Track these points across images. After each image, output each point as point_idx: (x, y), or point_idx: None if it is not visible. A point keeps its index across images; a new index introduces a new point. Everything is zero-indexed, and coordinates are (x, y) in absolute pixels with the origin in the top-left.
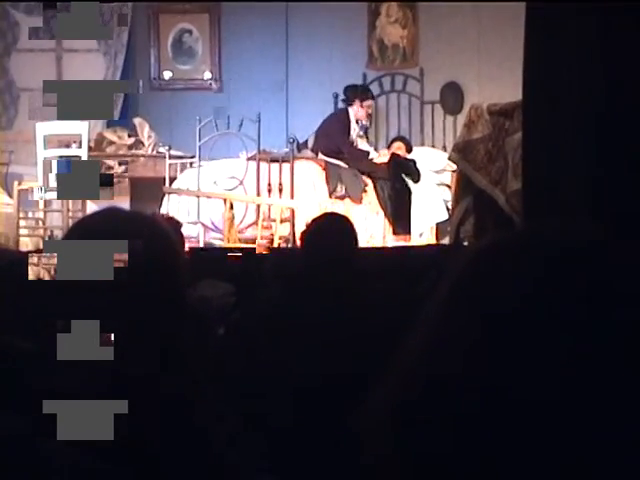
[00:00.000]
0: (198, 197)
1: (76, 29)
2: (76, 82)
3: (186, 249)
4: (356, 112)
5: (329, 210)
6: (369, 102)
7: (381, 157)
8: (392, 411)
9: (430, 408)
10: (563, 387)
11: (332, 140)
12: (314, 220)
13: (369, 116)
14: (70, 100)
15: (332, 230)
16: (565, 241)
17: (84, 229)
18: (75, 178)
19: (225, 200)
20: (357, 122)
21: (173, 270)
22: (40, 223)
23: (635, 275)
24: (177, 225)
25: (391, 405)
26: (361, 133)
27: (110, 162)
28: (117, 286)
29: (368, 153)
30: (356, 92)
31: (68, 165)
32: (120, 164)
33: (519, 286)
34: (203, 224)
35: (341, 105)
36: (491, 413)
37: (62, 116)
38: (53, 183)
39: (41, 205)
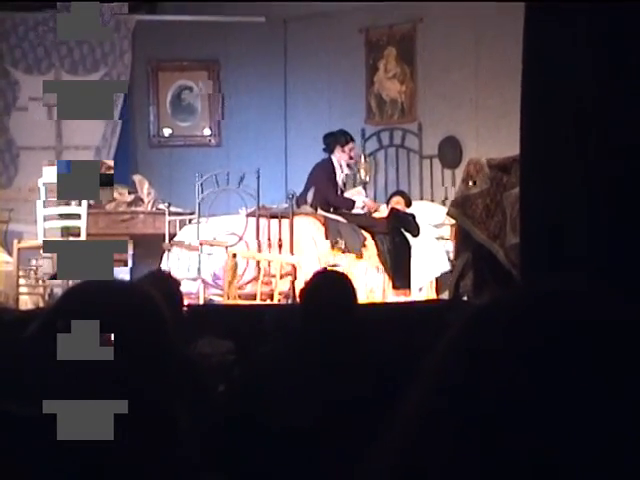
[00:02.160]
0: (199, 251)
1: (76, 29)
2: (76, 82)
3: (185, 305)
4: (339, 158)
5: (331, 264)
6: (350, 145)
7: (379, 211)
8: (390, 472)
9: (429, 457)
10: (563, 452)
11: (319, 192)
12: (313, 277)
13: (351, 159)
14: (70, 100)
15: (331, 287)
16: (564, 306)
17: (75, 302)
18: (75, 179)
19: (227, 248)
20: (341, 168)
21: (158, 334)
22: (40, 282)
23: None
24: (176, 284)
25: (389, 467)
26: (347, 177)
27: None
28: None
29: (353, 202)
30: (336, 138)
31: (68, 165)
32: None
33: (516, 348)
34: (203, 280)
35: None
36: (491, 469)
37: (62, 116)
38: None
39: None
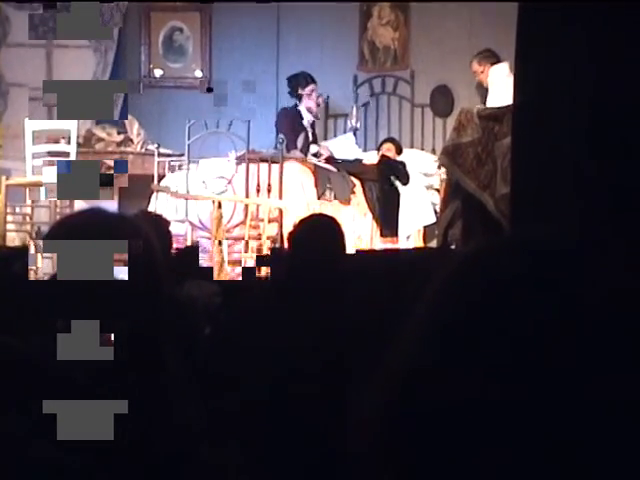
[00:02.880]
0: (186, 199)
1: (76, 29)
2: (76, 82)
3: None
4: (305, 103)
5: (317, 211)
6: (311, 87)
7: (366, 157)
8: (377, 412)
9: (414, 408)
10: (545, 389)
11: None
12: (302, 221)
13: (318, 106)
14: (70, 100)
15: (319, 232)
16: (550, 249)
17: (66, 230)
18: (75, 178)
19: (213, 201)
20: (309, 111)
21: (154, 269)
22: (27, 219)
23: (619, 279)
24: (165, 223)
25: (376, 407)
26: (315, 122)
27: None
28: (102, 284)
29: (306, 153)
30: (296, 81)
31: (68, 165)
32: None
33: (504, 293)
34: (191, 222)
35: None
36: (474, 416)
37: (62, 115)
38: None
39: (28, 201)
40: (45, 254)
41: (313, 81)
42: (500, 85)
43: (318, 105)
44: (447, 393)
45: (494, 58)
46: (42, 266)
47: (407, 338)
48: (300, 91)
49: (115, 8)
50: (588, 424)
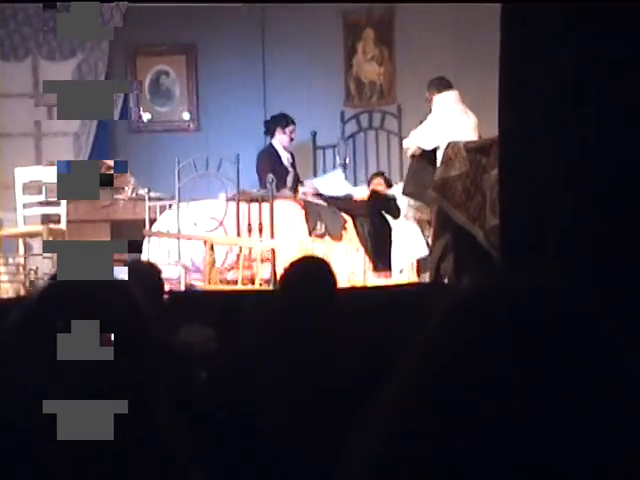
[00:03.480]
0: (178, 239)
1: (76, 29)
2: (76, 82)
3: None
4: (280, 141)
5: (310, 249)
6: (291, 127)
7: (359, 192)
8: (372, 459)
9: (409, 459)
10: (544, 445)
11: (262, 179)
12: (292, 264)
13: (292, 140)
14: (70, 100)
15: (310, 276)
16: (540, 301)
17: (55, 295)
18: (75, 178)
19: (205, 242)
20: (285, 149)
21: (135, 326)
22: (21, 269)
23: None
24: (157, 272)
25: (370, 454)
26: (293, 157)
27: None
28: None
29: (296, 191)
30: (275, 122)
31: (68, 166)
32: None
33: (501, 338)
34: (184, 265)
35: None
36: (472, 461)
37: (62, 115)
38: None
39: (21, 251)
40: (45, 254)
41: (293, 122)
42: (442, 112)
43: (291, 140)
44: (446, 439)
45: (442, 86)
46: (41, 266)
47: (403, 382)
48: (279, 130)
49: (115, 8)
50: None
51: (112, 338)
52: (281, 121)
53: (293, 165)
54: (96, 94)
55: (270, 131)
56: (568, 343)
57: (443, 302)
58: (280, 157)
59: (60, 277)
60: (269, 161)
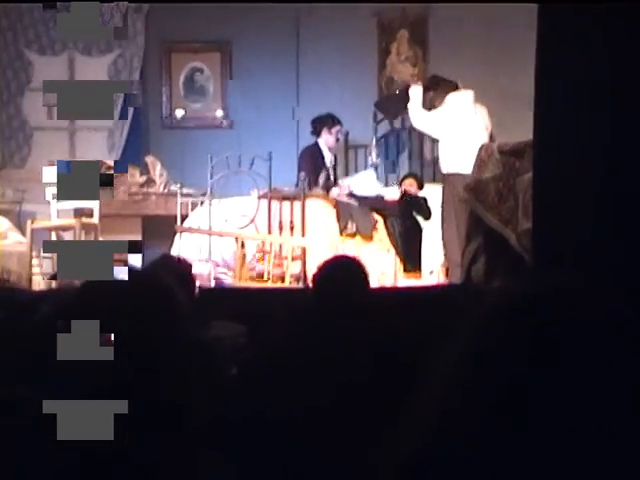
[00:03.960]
0: (209, 235)
1: (76, 29)
2: (76, 82)
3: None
4: (326, 141)
5: (340, 248)
6: (337, 127)
7: (391, 193)
8: (406, 459)
9: (445, 459)
10: (578, 450)
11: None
12: (325, 263)
13: (337, 140)
14: (70, 100)
15: (343, 274)
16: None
17: (93, 293)
18: (75, 179)
19: (237, 239)
20: (329, 150)
21: (173, 321)
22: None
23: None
24: (188, 267)
25: (405, 454)
26: (336, 159)
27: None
28: (124, 333)
29: (328, 190)
30: (322, 122)
31: (68, 166)
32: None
33: (543, 343)
34: (214, 262)
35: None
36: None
37: (62, 115)
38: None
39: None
40: (45, 254)
41: (339, 122)
42: (454, 108)
43: (337, 140)
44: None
45: (450, 87)
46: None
47: (439, 384)
48: (325, 131)
49: (115, 8)
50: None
51: (150, 332)
52: (327, 121)
53: (334, 167)
54: (96, 94)
55: (316, 130)
56: (600, 346)
57: (478, 307)
58: (323, 157)
59: (60, 277)
60: (311, 159)
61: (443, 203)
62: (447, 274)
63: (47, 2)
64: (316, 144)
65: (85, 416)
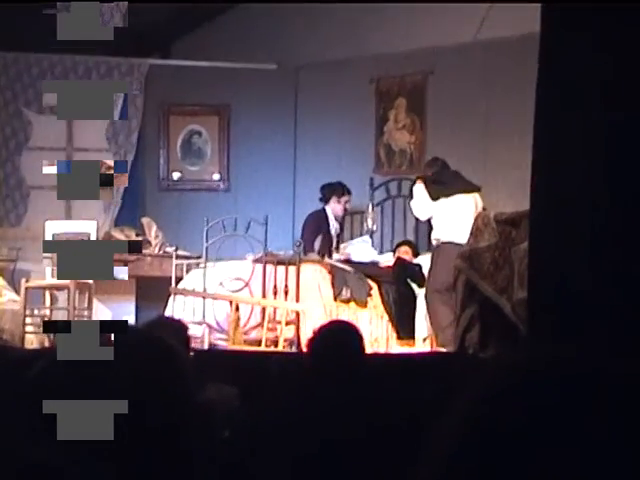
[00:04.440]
0: (204, 298)
1: (76, 29)
2: (76, 82)
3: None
4: (333, 209)
5: (334, 313)
6: (346, 197)
7: (385, 260)
8: None
9: None
10: None
11: (308, 242)
12: (321, 327)
13: (345, 211)
14: (70, 100)
15: (339, 339)
16: (572, 378)
17: None
18: (75, 179)
19: (231, 302)
20: (336, 219)
21: (182, 384)
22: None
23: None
24: (183, 328)
25: None
26: (341, 227)
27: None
28: (123, 394)
29: (323, 255)
30: (332, 190)
31: (68, 165)
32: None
33: (540, 419)
34: (208, 324)
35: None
36: None
37: (62, 115)
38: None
39: (47, 303)
40: (45, 254)
41: (349, 192)
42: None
43: (345, 210)
44: None
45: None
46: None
47: (431, 456)
48: (334, 199)
49: (115, 8)
50: None
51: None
52: (338, 190)
53: (338, 235)
54: (96, 95)
55: (325, 198)
56: (603, 416)
57: (472, 377)
58: (329, 224)
59: (59, 277)
60: (317, 225)
61: (430, 270)
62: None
63: (48, 2)
64: (323, 210)
65: (85, 416)
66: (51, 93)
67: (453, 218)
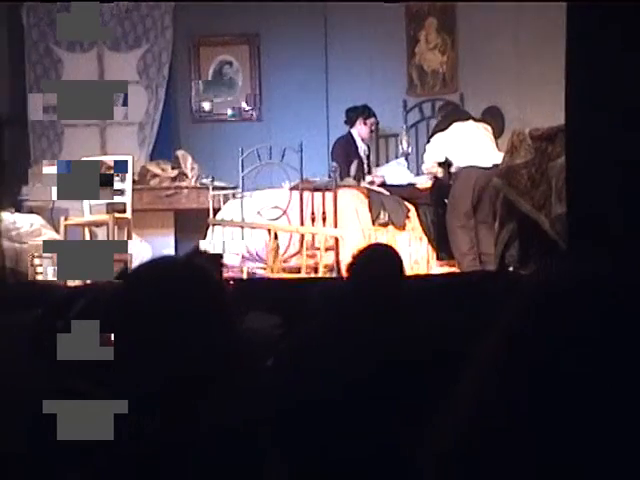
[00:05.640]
0: (242, 228)
1: (76, 29)
2: (76, 82)
3: (230, 279)
4: (359, 131)
5: (373, 238)
6: (372, 119)
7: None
8: (439, 453)
9: (477, 457)
10: (627, 446)
11: (340, 166)
12: (360, 251)
13: (372, 133)
14: (70, 100)
15: (378, 262)
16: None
17: (138, 278)
18: (75, 178)
19: (269, 230)
20: (363, 141)
21: (208, 308)
22: None
23: None
24: (216, 258)
25: (438, 449)
26: (369, 149)
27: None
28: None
29: (359, 179)
30: (357, 112)
31: (68, 165)
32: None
33: (583, 335)
34: (247, 253)
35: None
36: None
37: (62, 115)
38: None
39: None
40: (45, 254)
41: (374, 115)
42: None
43: (371, 132)
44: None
45: (461, 115)
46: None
47: (476, 377)
48: (360, 121)
49: (115, 8)
50: None
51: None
52: (364, 112)
53: (368, 157)
54: (96, 94)
55: (351, 120)
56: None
57: (514, 295)
58: (357, 147)
59: (59, 277)
60: (345, 149)
61: (450, 197)
62: (481, 260)
63: (48, 2)
64: (350, 134)
65: (85, 416)
66: (51, 93)
67: (469, 142)
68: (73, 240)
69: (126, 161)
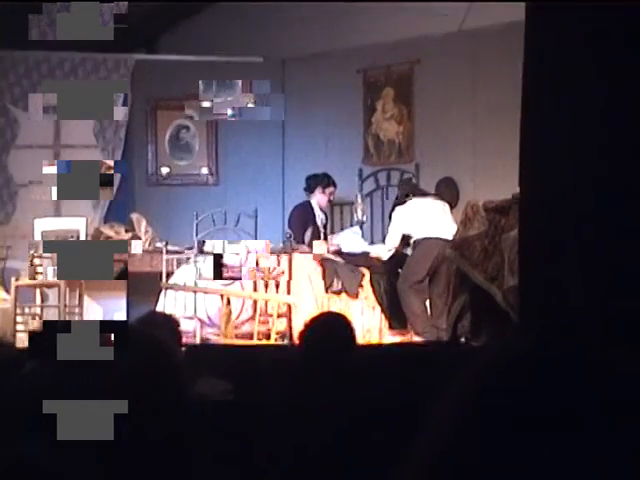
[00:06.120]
0: (195, 292)
1: (76, 29)
2: (76, 82)
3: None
4: (318, 200)
5: (326, 305)
6: (331, 189)
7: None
8: None
9: None
10: None
11: (295, 235)
12: (312, 319)
13: (330, 202)
14: (70, 100)
15: (330, 330)
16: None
17: None
18: (75, 179)
19: (222, 296)
20: (321, 210)
21: (174, 379)
22: (37, 319)
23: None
24: (175, 323)
25: None
26: (326, 218)
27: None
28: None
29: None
30: (317, 180)
31: (68, 165)
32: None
33: (529, 407)
34: (200, 319)
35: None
36: None
37: (62, 115)
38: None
39: (38, 301)
40: (45, 254)
41: (334, 184)
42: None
43: (329, 202)
44: None
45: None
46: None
47: (425, 448)
48: (319, 189)
49: (115, 8)
50: None
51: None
52: (323, 180)
53: (325, 226)
54: (95, 95)
55: (310, 188)
56: (592, 408)
57: (465, 366)
58: (315, 215)
59: (60, 277)
60: (303, 217)
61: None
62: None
63: (47, 2)
64: (308, 202)
65: (85, 416)
66: (51, 93)
67: (427, 216)
68: (73, 240)
69: (126, 162)
